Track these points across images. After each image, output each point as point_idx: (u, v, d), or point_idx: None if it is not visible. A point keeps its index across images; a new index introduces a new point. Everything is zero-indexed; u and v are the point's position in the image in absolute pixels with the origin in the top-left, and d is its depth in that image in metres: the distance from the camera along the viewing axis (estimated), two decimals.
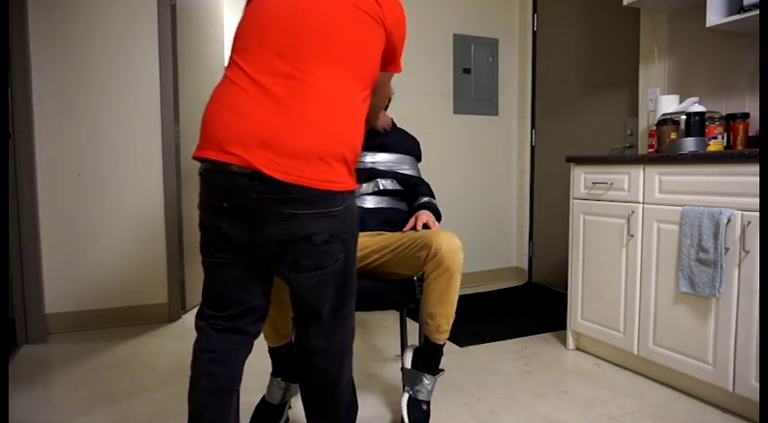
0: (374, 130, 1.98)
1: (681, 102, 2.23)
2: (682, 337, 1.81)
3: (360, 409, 1.76)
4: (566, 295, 2.34)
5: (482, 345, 2.39)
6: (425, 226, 1.70)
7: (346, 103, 1.10)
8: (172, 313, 2.78)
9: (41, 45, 2.47)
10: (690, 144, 1.94)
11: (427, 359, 1.63)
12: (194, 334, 1.18)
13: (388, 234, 1.75)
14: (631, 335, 2.00)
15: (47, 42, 2.48)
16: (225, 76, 1.12)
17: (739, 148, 2.00)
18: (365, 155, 1.95)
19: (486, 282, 3.64)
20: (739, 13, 1.91)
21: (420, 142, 2.12)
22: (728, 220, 1.63)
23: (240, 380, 1.21)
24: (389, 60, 1.36)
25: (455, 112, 3.50)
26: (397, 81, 3.22)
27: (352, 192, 1.13)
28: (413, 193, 1.97)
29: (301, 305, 1.18)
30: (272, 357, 1.60)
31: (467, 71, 3.52)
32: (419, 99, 3.37)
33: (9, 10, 2.31)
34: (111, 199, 2.66)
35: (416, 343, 1.72)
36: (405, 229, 1.73)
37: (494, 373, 2.06)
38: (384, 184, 1.92)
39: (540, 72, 3.54)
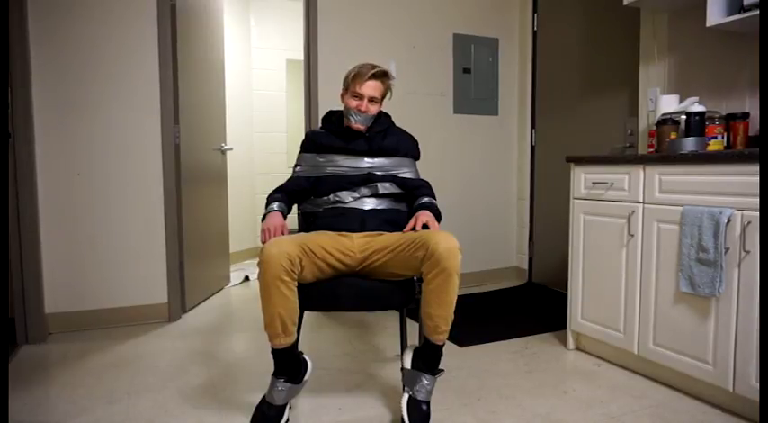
0: (372, 133, 1.97)
1: (681, 102, 2.23)
2: (682, 337, 1.81)
3: (360, 409, 1.76)
4: (566, 295, 2.33)
5: (482, 345, 2.39)
6: (425, 226, 1.70)
7: None
8: (172, 313, 2.78)
9: (41, 45, 2.47)
10: (690, 144, 1.94)
11: (427, 359, 1.63)
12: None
13: (389, 234, 1.76)
14: (631, 335, 2.00)
15: (47, 43, 2.48)
16: None
17: (739, 148, 2.00)
18: (363, 159, 1.95)
19: (486, 282, 3.64)
20: (739, 12, 1.90)
21: (420, 142, 2.12)
22: (728, 220, 1.63)
23: None
24: None
25: (455, 112, 3.50)
26: (397, 81, 3.23)
27: None
28: (413, 195, 1.97)
29: None
30: (275, 358, 1.59)
31: (467, 71, 3.52)
32: (419, 99, 3.37)
33: (9, 10, 2.31)
34: (111, 199, 2.66)
35: (416, 343, 1.72)
36: (405, 230, 1.73)
37: (494, 373, 2.06)
38: (382, 187, 1.92)
39: (540, 72, 3.54)
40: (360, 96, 1.89)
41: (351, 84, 1.90)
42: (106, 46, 2.60)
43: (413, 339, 1.90)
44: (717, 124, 2.04)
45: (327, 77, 3.01)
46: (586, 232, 2.19)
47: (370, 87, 1.89)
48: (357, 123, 1.91)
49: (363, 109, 1.89)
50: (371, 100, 1.90)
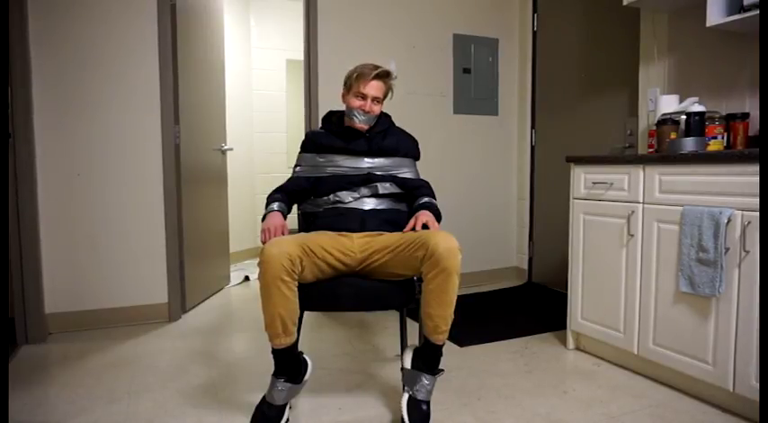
0: (372, 133, 1.97)
1: (681, 102, 2.23)
2: (682, 337, 1.81)
3: (360, 409, 1.76)
4: (566, 295, 2.33)
5: (482, 345, 2.39)
6: (425, 226, 1.70)
7: None
8: (172, 313, 2.78)
9: (41, 46, 2.47)
10: (690, 144, 1.94)
11: (427, 359, 1.63)
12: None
13: (389, 234, 1.76)
14: (631, 335, 2.00)
15: (47, 43, 2.48)
16: None
17: (739, 147, 2.00)
18: (363, 160, 1.95)
19: (486, 282, 3.64)
20: (739, 12, 1.90)
21: (420, 142, 2.12)
22: (728, 220, 1.63)
23: None
24: None
25: (455, 112, 3.50)
26: (397, 81, 3.22)
27: None
28: (413, 195, 1.97)
29: None
30: (275, 358, 1.59)
31: (467, 71, 3.52)
32: (419, 99, 3.37)
33: (9, 10, 2.31)
34: (111, 199, 2.66)
35: (416, 343, 1.72)
36: (405, 230, 1.73)
37: (494, 373, 2.06)
38: (382, 187, 1.92)
39: (540, 72, 3.54)
40: (364, 96, 1.89)
41: (354, 84, 1.91)
42: (106, 46, 2.59)
43: (413, 339, 1.90)
44: (717, 124, 2.04)
45: (327, 77, 3.01)
46: (586, 232, 2.19)
47: (374, 87, 1.89)
48: (360, 123, 1.92)
49: (367, 109, 1.90)
50: (374, 100, 1.91)
